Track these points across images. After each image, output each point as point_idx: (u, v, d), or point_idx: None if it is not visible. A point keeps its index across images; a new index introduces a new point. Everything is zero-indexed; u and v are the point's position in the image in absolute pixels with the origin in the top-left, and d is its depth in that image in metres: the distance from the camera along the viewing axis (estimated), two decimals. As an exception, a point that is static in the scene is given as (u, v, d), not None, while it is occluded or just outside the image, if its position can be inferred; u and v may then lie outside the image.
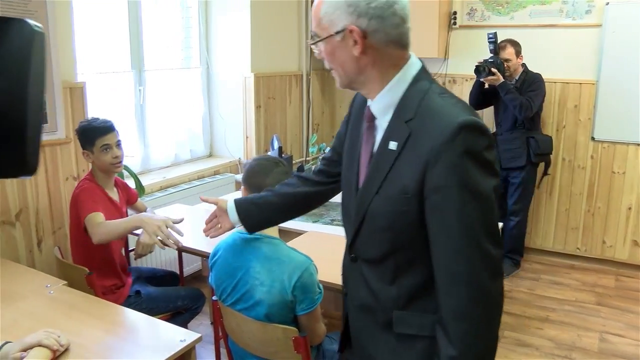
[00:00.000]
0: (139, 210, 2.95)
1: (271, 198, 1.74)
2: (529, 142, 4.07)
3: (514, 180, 4.16)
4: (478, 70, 3.95)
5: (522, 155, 4.08)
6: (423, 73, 1.30)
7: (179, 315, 2.74)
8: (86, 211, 2.45)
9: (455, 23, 4.64)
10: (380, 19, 1.21)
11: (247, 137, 4.46)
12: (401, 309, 1.32)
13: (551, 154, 4.23)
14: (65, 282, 2.25)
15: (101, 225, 2.40)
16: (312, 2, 4.76)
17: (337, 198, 1.62)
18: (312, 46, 1.33)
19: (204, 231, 1.92)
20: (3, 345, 1.62)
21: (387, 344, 1.37)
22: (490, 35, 3.95)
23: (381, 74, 1.27)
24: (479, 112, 4.50)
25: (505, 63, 3.98)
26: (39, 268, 2.82)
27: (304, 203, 1.78)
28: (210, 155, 4.58)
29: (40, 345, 1.61)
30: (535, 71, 4.06)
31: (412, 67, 1.29)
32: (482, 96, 4.17)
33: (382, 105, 1.30)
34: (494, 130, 4.30)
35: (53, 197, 3.05)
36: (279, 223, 1.95)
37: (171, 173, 4.00)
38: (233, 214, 1.76)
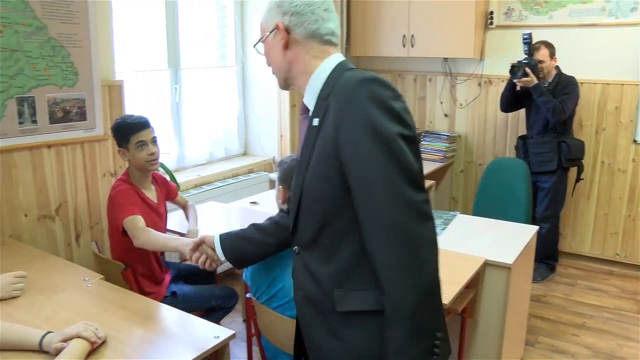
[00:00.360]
0: (180, 205, 2.97)
1: (256, 235, 1.97)
2: (560, 147, 3.98)
3: (543, 185, 4.06)
4: (513, 70, 3.89)
5: (552, 160, 3.99)
6: (344, 63, 1.41)
7: (212, 313, 2.76)
8: (124, 214, 2.45)
9: (491, 23, 4.58)
10: (299, 15, 1.39)
11: (281, 136, 4.47)
12: (341, 287, 1.34)
13: (583, 158, 4.12)
14: (102, 277, 2.28)
15: (144, 232, 2.39)
16: (347, 1, 4.78)
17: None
18: (256, 50, 1.52)
19: (193, 262, 2.07)
20: (45, 335, 1.67)
21: (330, 329, 1.38)
22: (525, 36, 3.87)
23: (305, 66, 1.41)
24: (509, 114, 4.49)
25: (538, 64, 3.91)
26: (77, 262, 2.87)
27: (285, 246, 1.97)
28: (244, 154, 4.61)
29: (79, 337, 1.64)
30: (573, 73, 3.98)
31: (333, 59, 1.41)
32: (513, 98, 4.10)
33: (309, 94, 1.42)
34: (525, 133, 4.22)
35: (91, 193, 3.10)
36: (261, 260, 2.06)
37: (206, 171, 4.04)
38: (218, 249, 1.96)
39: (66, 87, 2.88)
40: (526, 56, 3.89)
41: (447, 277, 2.22)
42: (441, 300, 1.29)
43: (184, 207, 3.00)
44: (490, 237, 2.73)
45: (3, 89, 2.63)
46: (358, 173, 1.23)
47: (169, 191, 2.90)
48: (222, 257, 1.96)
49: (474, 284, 2.44)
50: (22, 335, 1.68)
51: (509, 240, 2.68)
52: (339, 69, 1.38)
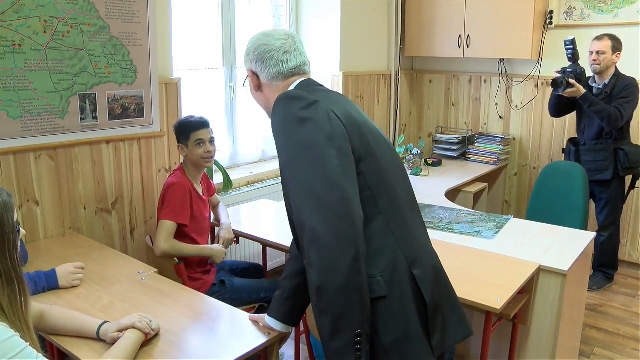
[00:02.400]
0: (213, 205, 3.05)
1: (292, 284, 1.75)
2: (617, 154, 3.74)
3: (601, 195, 3.88)
4: (556, 83, 3.66)
5: (608, 169, 3.76)
6: (304, 82, 1.61)
7: (262, 310, 2.78)
8: (166, 215, 2.60)
9: (551, 23, 4.45)
10: (261, 62, 1.62)
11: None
12: None
13: None
14: (156, 270, 2.34)
15: (171, 241, 2.58)
16: (402, 2, 4.75)
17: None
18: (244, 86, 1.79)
19: None
20: (102, 324, 1.73)
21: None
22: (568, 42, 3.66)
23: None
24: (567, 117, 4.26)
25: (596, 55, 3.66)
26: (131, 255, 2.95)
27: None
28: (296, 152, 4.61)
29: (134, 328, 1.69)
30: (632, 75, 3.76)
31: (297, 82, 1.61)
32: (562, 103, 3.87)
33: None
34: (577, 138, 4.00)
35: (146, 188, 3.18)
36: None
37: (258, 169, 4.08)
38: (279, 327, 1.77)
39: (125, 85, 2.96)
40: (570, 64, 3.69)
41: (499, 282, 2.20)
42: (361, 300, 1.31)
43: (215, 206, 3.08)
44: (545, 242, 2.66)
45: (67, 87, 2.72)
46: (286, 183, 1.46)
47: (209, 190, 3.00)
48: (288, 329, 1.79)
49: (527, 290, 2.38)
50: (82, 323, 1.75)
51: (564, 246, 2.60)
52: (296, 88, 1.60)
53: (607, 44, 3.66)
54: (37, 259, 2.41)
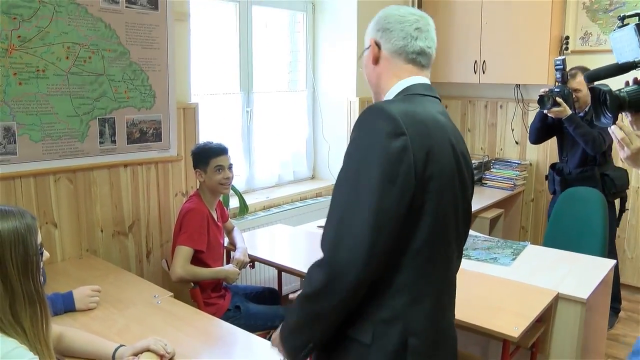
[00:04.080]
0: (227, 230, 3.06)
1: None
2: (604, 181, 3.63)
3: None
4: (542, 100, 3.53)
5: None
6: (419, 86, 1.45)
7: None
8: (183, 241, 2.62)
9: (567, 48, 4.45)
10: (389, 32, 1.46)
11: (348, 161, 4.47)
12: None
13: (628, 189, 3.78)
14: (172, 294, 2.34)
15: (187, 266, 2.59)
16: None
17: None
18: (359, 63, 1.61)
19: None
20: (118, 347, 1.74)
21: None
22: (558, 62, 3.54)
23: (386, 83, 1.48)
24: (539, 145, 4.17)
25: (574, 93, 3.58)
26: (147, 278, 2.95)
27: None
28: (312, 178, 4.64)
29: (149, 350, 1.70)
30: None
31: (412, 80, 1.46)
32: (544, 128, 3.76)
33: None
34: (559, 164, 3.88)
35: (163, 212, 3.20)
36: None
37: (274, 193, 4.09)
38: None
39: (144, 109, 3.00)
40: (559, 84, 3.57)
41: (516, 309, 2.17)
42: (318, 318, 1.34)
43: (230, 231, 3.09)
44: (563, 269, 2.62)
45: (87, 111, 2.77)
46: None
47: (223, 216, 3.01)
48: None
49: (545, 318, 2.35)
50: (98, 346, 1.77)
51: (583, 273, 2.57)
52: (404, 91, 1.44)
53: (581, 81, 3.59)
54: (55, 280, 2.42)
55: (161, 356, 1.71)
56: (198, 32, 3.52)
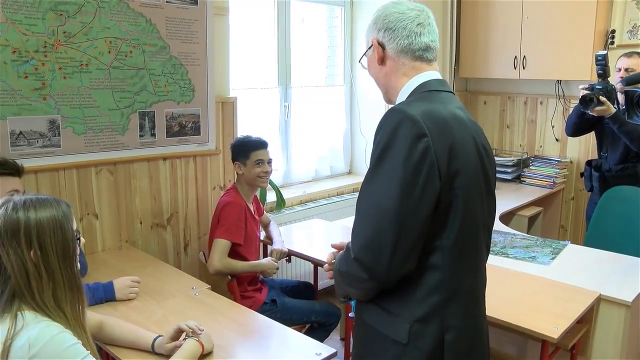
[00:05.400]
0: (264, 224, 3.08)
1: None
2: None
3: None
4: (585, 100, 3.31)
5: None
6: (434, 82, 1.43)
7: (312, 331, 2.78)
8: (221, 234, 2.64)
9: (612, 42, 4.31)
10: (391, 31, 1.44)
11: (386, 156, 4.45)
12: None
13: None
14: (209, 286, 2.37)
15: (224, 259, 2.62)
16: (457, 23, 4.72)
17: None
18: (361, 65, 1.60)
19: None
20: (156, 338, 1.78)
21: None
22: (599, 57, 3.36)
23: (396, 82, 1.47)
24: (580, 142, 4.07)
25: (624, 73, 3.41)
26: (184, 270, 2.99)
27: None
28: (349, 173, 4.64)
29: (179, 329, 1.75)
30: None
31: (424, 77, 1.44)
32: (581, 123, 3.60)
33: None
34: (598, 161, 3.71)
35: (201, 205, 3.24)
36: None
37: (311, 188, 4.10)
38: None
39: (183, 103, 3.04)
40: (600, 80, 3.39)
41: (556, 310, 2.13)
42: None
43: (267, 225, 3.11)
44: (605, 270, 2.56)
45: (128, 104, 2.81)
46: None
47: (258, 209, 3.03)
48: None
49: (587, 320, 2.29)
50: (138, 335, 1.81)
51: (627, 275, 2.49)
52: (420, 88, 1.43)
53: (637, 62, 3.44)
54: (96, 270, 2.47)
55: (202, 344, 1.73)
56: (237, 26, 3.54)
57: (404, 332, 1.34)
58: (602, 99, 3.29)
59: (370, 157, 1.37)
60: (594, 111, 3.34)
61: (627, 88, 3.17)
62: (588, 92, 3.34)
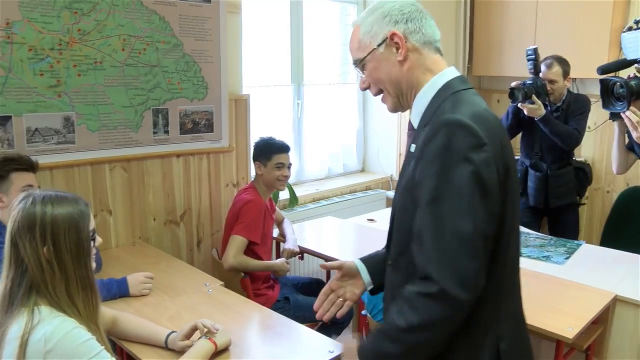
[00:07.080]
0: (278, 221, 3.09)
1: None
2: (577, 175, 3.51)
3: (568, 219, 3.59)
4: (513, 94, 3.24)
5: (572, 191, 3.51)
6: (457, 81, 1.31)
7: (325, 329, 2.78)
8: (239, 231, 2.65)
9: (630, 40, 4.27)
10: (416, 20, 1.30)
11: (400, 154, 4.43)
12: None
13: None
14: (222, 283, 2.37)
15: (240, 256, 2.63)
16: (470, 20, 4.69)
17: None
18: (357, 72, 1.42)
19: (319, 317, 1.68)
20: (170, 334, 1.79)
21: None
22: (530, 52, 3.28)
23: (418, 80, 1.32)
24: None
25: (549, 85, 3.33)
26: (197, 266, 3.00)
27: None
28: (362, 170, 4.63)
29: (195, 327, 1.75)
30: None
31: (447, 74, 1.31)
32: (512, 125, 3.50)
33: (415, 112, 1.34)
34: (530, 161, 3.58)
35: (214, 202, 3.24)
36: None
37: (324, 186, 4.10)
38: (365, 274, 1.62)
39: (196, 100, 3.04)
40: (531, 76, 3.31)
41: (571, 310, 2.11)
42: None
43: (280, 223, 3.12)
44: (621, 270, 2.53)
45: (142, 101, 2.82)
46: (418, 218, 1.20)
47: (271, 207, 3.03)
48: (369, 285, 1.63)
49: (602, 320, 2.27)
50: (151, 331, 1.82)
51: (643, 275, 2.47)
52: (446, 89, 1.29)
53: (557, 71, 3.37)
54: (109, 266, 2.49)
55: (215, 344, 1.73)
56: (250, 24, 3.54)
57: (461, 349, 1.26)
58: (534, 98, 3.22)
59: (426, 175, 1.20)
60: (524, 107, 3.26)
61: (602, 77, 3.09)
62: (520, 87, 3.25)
